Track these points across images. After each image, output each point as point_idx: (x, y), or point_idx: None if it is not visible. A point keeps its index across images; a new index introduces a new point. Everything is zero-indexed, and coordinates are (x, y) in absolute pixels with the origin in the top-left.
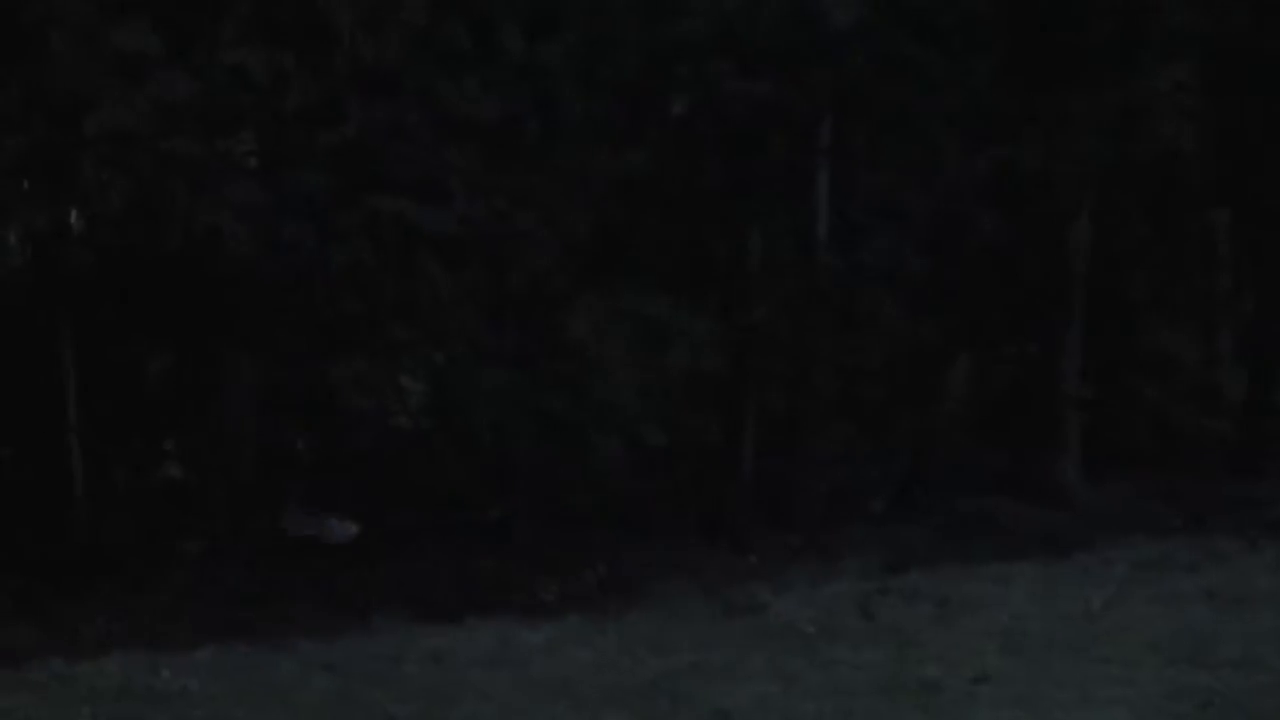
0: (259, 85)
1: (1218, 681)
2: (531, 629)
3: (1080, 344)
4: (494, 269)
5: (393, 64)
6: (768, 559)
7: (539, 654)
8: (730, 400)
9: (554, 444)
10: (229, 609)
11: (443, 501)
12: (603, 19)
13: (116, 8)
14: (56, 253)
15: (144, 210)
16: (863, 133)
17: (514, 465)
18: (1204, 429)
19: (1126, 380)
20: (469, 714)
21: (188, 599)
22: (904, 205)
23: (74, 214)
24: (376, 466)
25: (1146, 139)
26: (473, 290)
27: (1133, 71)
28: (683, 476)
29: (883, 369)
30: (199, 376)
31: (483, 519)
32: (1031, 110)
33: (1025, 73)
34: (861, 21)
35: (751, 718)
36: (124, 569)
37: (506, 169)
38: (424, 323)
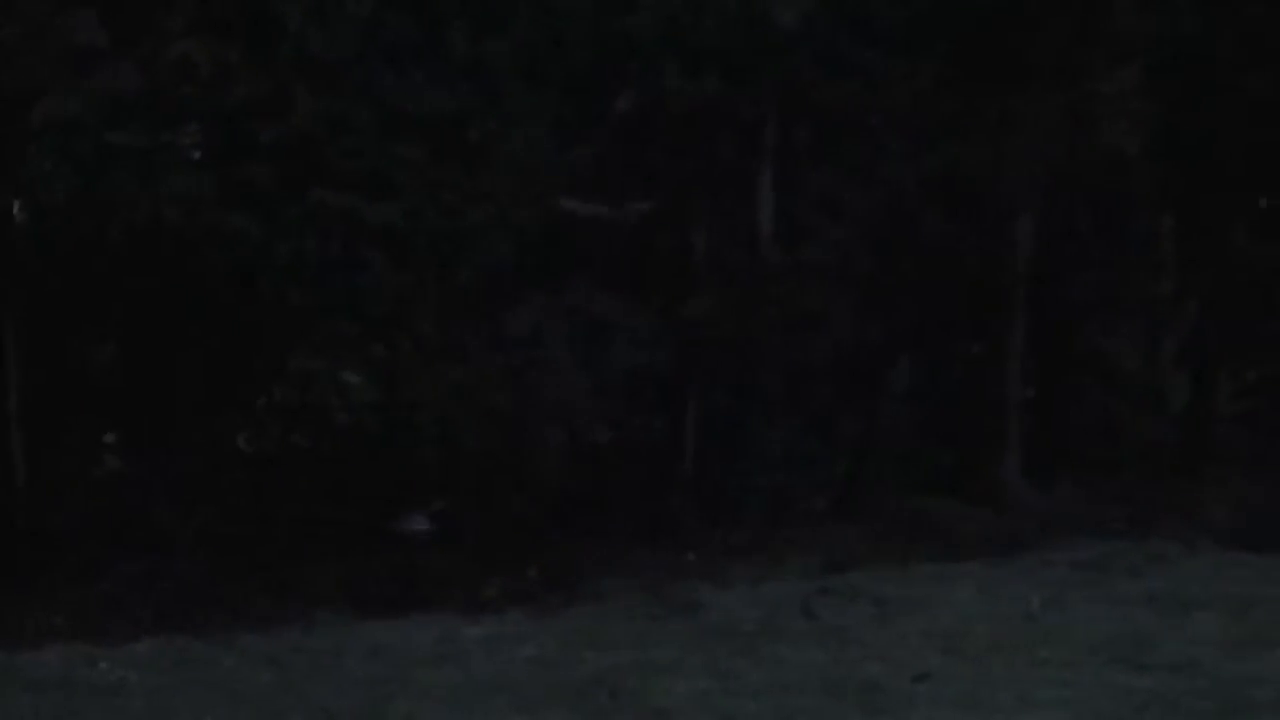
0: (204, 77)
1: (1157, 684)
2: (472, 625)
3: (1023, 345)
4: (441, 264)
5: (339, 57)
6: (709, 557)
7: (480, 650)
8: (673, 398)
9: (497, 440)
10: (170, 602)
11: (385, 497)
12: (550, 16)
13: None
14: (0, 243)
15: (88, 201)
16: (807, 132)
17: (457, 462)
18: (1146, 432)
19: (1069, 382)
20: (409, 709)
21: (129, 591)
22: (848, 204)
23: (17, 205)
24: (319, 462)
25: (1091, 142)
26: (419, 285)
27: (1079, 74)
28: (625, 474)
29: (826, 368)
30: (143, 369)
31: (425, 515)
32: (976, 111)
33: (971, 74)
34: (806, 21)
35: (691, 716)
36: (65, 561)
37: (453, 164)
38: (369, 317)
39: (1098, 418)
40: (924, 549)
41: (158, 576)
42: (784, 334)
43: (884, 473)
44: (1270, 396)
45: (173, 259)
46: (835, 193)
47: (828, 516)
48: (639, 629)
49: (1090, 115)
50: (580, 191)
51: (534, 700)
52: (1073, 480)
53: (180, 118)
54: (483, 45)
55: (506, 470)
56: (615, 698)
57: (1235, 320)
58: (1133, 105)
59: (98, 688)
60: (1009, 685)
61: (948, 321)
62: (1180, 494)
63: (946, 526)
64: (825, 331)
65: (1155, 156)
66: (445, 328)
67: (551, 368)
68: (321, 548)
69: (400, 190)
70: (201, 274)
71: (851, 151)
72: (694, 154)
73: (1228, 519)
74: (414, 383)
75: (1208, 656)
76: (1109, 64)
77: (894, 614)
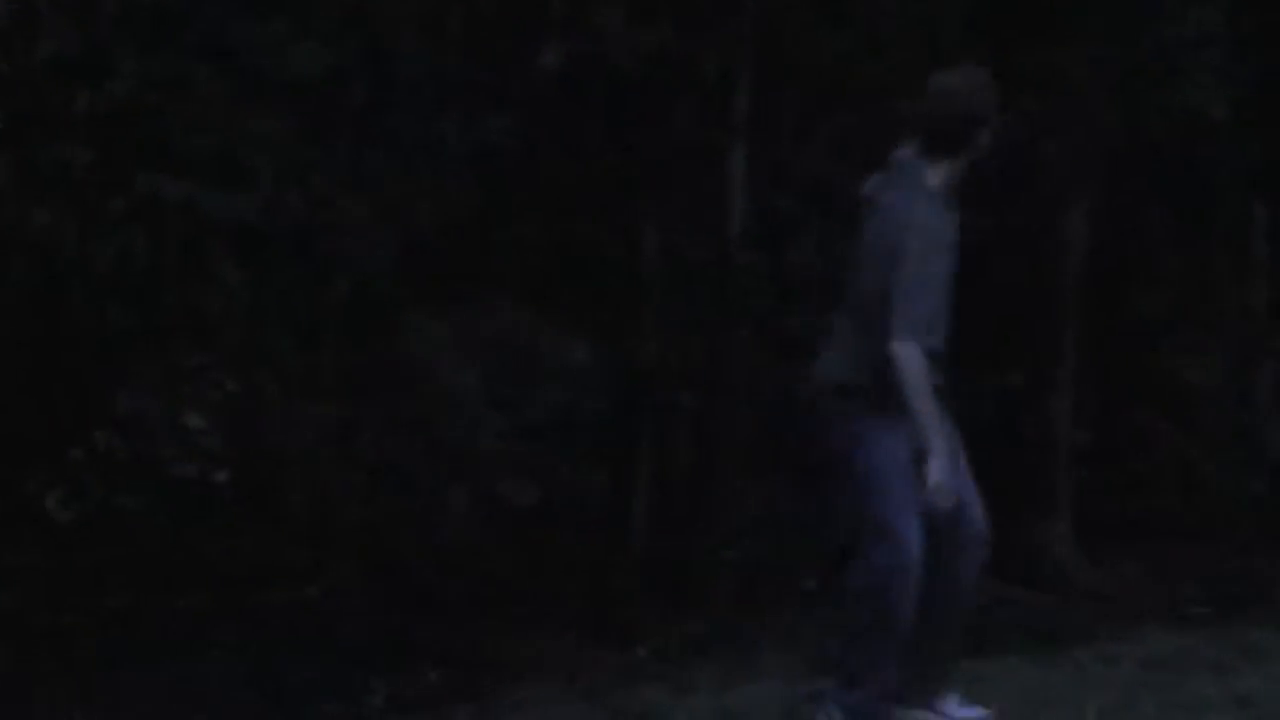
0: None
1: None
2: None
3: (1075, 375)
4: (310, 272)
5: (177, 2)
6: (666, 653)
7: None
8: (617, 447)
9: (388, 504)
10: None
11: (242, 577)
12: None
13: None
14: None
15: None
16: (792, 98)
17: (336, 531)
18: (1236, 488)
19: (1135, 423)
20: None
21: None
22: (845, 192)
23: None
24: (155, 532)
25: (1163, 107)
26: (282, 300)
27: (1147, 20)
28: (555, 546)
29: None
30: None
31: (295, 600)
32: (1012, 71)
33: (1007, 23)
34: None
35: None
36: None
37: (327, 141)
38: (216, 341)
39: (1173, 469)
40: None
41: None
42: (762, 361)
43: None
44: None
45: None
46: (827, 178)
47: (819, 599)
48: None
49: (1161, 72)
50: (494, 175)
51: None
52: (1140, 550)
53: None
54: None
55: (398, 542)
56: None
57: None
58: (1216, 57)
59: None
60: None
61: (977, 345)
62: (1278, 566)
63: (977, 610)
64: (815, 358)
65: (1245, 124)
66: (316, 357)
67: (458, 409)
68: (152, 643)
69: (256, 176)
70: None
71: (848, 124)
72: (643, 127)
73: None
74: (276, 428)
75: None
76: (1184, 2)
77: None
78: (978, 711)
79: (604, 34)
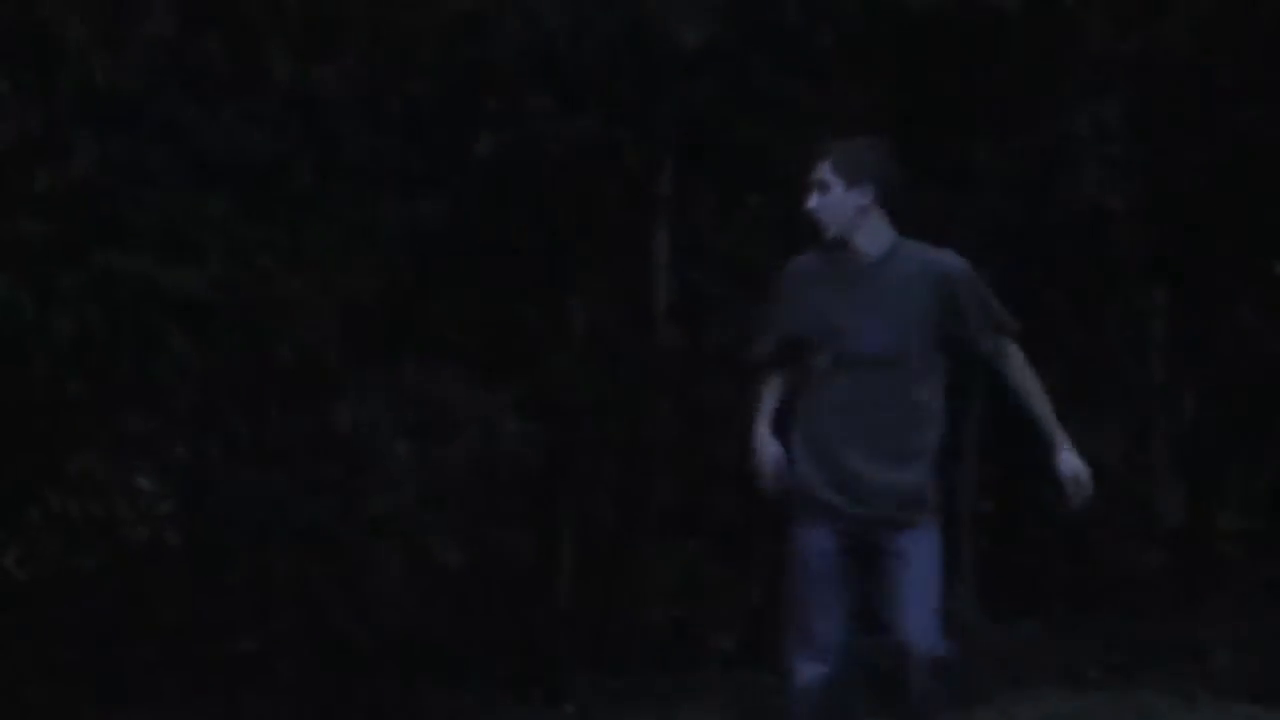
0: None
1: None
2: None
3: (978, 447)
4: (255, 343)
5: (133, 89)
6: (588, 710)
7: None
8: (544, 511)
9: (323, 562)
10: None
11: (188, 631)
12: (391, 40)
13: None
14: None
15: None
16: (713, 181)
17: (276, 588)
18: (1132, 555)
19: (1035, 493)
20: None
21: None
22: (763, 272)
23: None
24: (108, 587)
25: (1062, 197)
26: (228, 369)
27: (1046, 111)
28: (482, 605)
29: (737, 473)
30: None
31: (236, 654)
32: (919, 159)
33: (914, 110)
34: (711, 44)
35: None
36: None
37: (272, 220)
38: (167, 409)
39: (1071, 537)
40: (855, 699)
41: None
42: (683, 432)
43: None
44: None
45: None
46: (746, 257)
47: (737, 658)
48: None
49: (1060, 163)
50: (430, 254)
51: None
52: (1039, 614)
53: None
54: (308, 75)
55: (331, 602)
56: None
57: (1242, 417)
58: (1114, 150)
59: None
60: None
61: None
62: (1173, 633)
63: (885, 673)
64: (735, 427)
65: (1141, 214)
66: (262, 421)
67: (387, 473)
68: (108, 691)
69: (205, 253)
70: None
71: (766, 206)
72: (571, 210)
73: (1232, 663)
74: (224, 490)
75: None
76: (1084, 98)
77: None
78: None
79: (535, 122)
